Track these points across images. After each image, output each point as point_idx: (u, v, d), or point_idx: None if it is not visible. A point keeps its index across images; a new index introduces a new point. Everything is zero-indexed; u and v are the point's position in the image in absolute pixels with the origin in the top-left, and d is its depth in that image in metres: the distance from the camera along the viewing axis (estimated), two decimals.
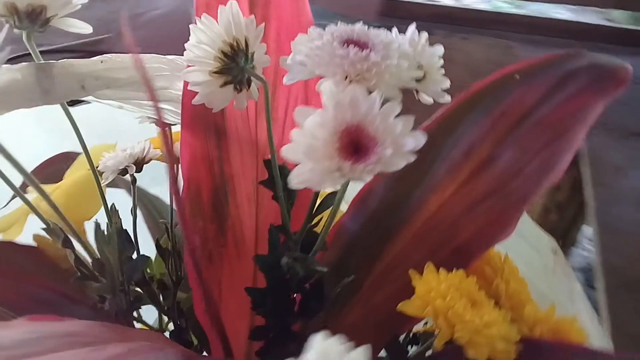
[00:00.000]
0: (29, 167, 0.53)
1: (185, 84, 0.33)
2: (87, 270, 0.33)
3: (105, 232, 0.34)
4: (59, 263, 0.40)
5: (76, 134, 0.34)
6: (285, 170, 0.33)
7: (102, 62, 0.29)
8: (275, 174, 0.32)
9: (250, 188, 0.36)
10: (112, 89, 0.30)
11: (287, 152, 0.23)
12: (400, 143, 0.23)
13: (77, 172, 0.44)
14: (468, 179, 0.38)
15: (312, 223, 0.34)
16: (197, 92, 0.31)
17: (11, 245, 0.41)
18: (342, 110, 0.23)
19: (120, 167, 0.36)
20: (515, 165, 0.37)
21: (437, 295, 0.32)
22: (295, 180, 0.23)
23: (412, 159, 0.23)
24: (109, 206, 0.35)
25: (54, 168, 0.51)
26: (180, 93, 0.34)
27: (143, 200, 0.51)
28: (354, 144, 0.23)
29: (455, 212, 0.37)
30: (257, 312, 0.36)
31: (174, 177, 0.30)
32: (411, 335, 0.38)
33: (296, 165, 0.23)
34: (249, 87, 0.31)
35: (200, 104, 0.31)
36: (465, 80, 0.40)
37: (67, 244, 0.33)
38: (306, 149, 0.23)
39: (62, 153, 0.51)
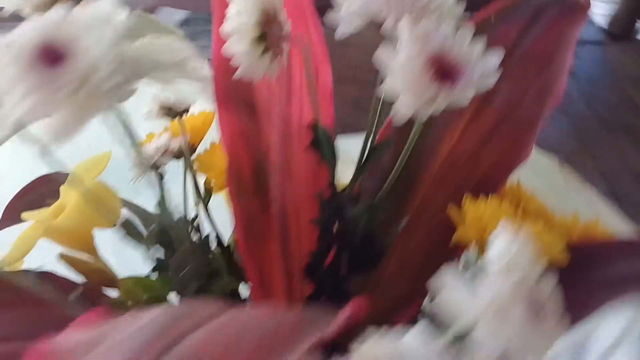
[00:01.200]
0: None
1: (216, 61, 0.33)
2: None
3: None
4: (89, 277, 0.38)
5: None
6: (326, 132, 0.34)
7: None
8: (321, 136, 0.33)
9: (285, 160, 0.36)
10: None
11: (387, 89, 0.24)
12: (483, 64, 0.25)
13: (76, 187, 0.42)
14: (474, 115, 0.40)
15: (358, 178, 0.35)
16: (228, 68, 0.31)
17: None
18: (423, 42, 0.25)
19: (155, 159, 0.35)
20: (515, 95, 0.40)
21: (489, 218, 0.35)
22: (402, 112, 0.24)
23: (498, 75, 0.25)
24: (162, 196, 0.34)
25: (34, 194, 0.49)
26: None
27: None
28: (442, 72, 0.25)
29: (470, 148, 0.40)
30: (310, 276, 0.37)
31: None
32: None
33: None
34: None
35: (230, 81, 0.31)
36: None
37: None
38: (404, 83, 0.24)
39: (41, 177, 0.49)
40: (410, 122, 0.38)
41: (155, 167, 0.36)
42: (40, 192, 0.48)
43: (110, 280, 0.39)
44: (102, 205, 0.38)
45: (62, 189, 0.44)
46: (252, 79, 0.32)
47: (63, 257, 0.37)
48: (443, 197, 0.40)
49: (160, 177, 0.36)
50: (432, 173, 0.41)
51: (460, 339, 0.19)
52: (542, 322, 0.19)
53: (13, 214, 0.48)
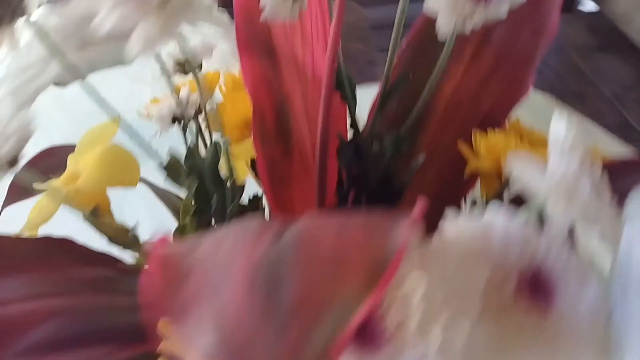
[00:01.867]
0: None
1: (238, 7, 0.34)
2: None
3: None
4: (113, 238, 0.38)
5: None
6: (348, 72, 0.35)
7: None
8: (342, 77, 0.34)
9: (305, 105, 0.37)
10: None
11: (428, 7, 0.26)
12: None
13: (89, 151, 0.42)
14: (474, 55, 0.42)
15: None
16: (249, 14, 0.32)
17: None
18: None
19: (175, 114, 0.36)
20: (511, 33, 0.42)
21: (502, 147, 0.37)
22: (442, 30, 0.26)
23: None
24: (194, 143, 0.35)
25: (37, 168, 0.48)
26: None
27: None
28: None
29: (473, 87, 0.42)
30: None
31: None
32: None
33: None
34: None
35: (250, 26, 0.32)
36: None
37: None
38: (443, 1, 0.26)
39: (44, 151, 0.48)
40: (426, 54, 0.40)
41: (179, 120, 0.36)
42: (44, 166, 0.48)
43: (134, 241, 0.39)
44: (122, 165, 0.38)
45: (70, 157, 0.43)
46: (274, 23, 0.32)
47: (88, 217, 0.37)
48: (451, 135, 0.42)
49: (185, 127, 0.36)
50: (439, 113, 0.42)
51: (532, 216, 0.21)
52: (603, 200, 0.21)
53: (18, 190, 0.47)
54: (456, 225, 0.19)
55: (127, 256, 0.41)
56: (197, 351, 0.15)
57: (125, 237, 0.38)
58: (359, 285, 0.14)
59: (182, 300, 0.17)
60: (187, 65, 0.37)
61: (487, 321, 0.15)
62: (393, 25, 0.34)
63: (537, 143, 0.41)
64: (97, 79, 0.45)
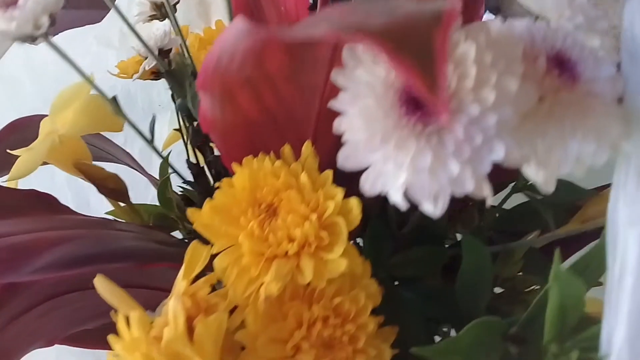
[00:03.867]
0: None
1: None
2: None
3: None
4: (104, 184, 0.38)
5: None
6: None
7: None
8: None
9: None
10: None
11: None
12: None
13: (64, 110, 0.41)
14: None
15: None
16: None
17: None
18: None
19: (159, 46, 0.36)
20: None
21: None
22: None
23: None
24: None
25: (4, 144, 0.47)
26: None
27: None
28: None
29: None
30: None
31: None
32: None
33: None
34: None
35: None
36: None
37: None
38: None
39: (9, 124, 0.47)
40: None
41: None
42: (11, 140, 0.47)
43: (122, 190, 0.39)
44: (105, 111, 0.38)
45: (44, 121, 0.43)
46: None
47: (78, 165, 0.37)
48: None
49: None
50: None
51: None
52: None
53: None
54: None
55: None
56: None
57: (116, 184, 0.38)
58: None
59: None
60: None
61: (529, 84, 0.17)
62: None
63: None
64: (63, 39, 0.44)
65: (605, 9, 0.21)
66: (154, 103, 0.53)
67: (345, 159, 0.17)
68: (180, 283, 0.23)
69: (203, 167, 0.41)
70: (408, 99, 0.17)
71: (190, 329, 0.22)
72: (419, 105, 0.16)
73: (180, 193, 0.44)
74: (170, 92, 0.41)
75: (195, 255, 0.25)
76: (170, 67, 0.33)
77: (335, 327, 0.23)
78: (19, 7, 0.27)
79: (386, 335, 0.25)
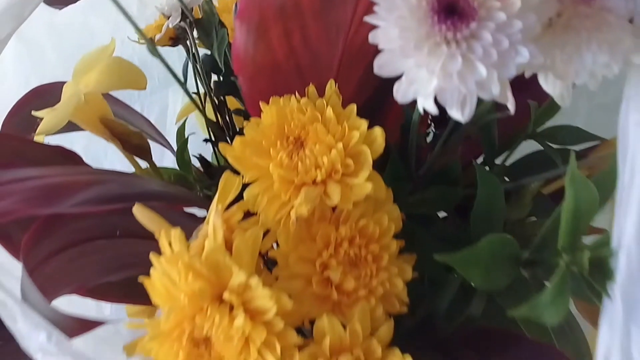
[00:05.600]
0: None
1: None
2: None
3: None
4: (128, 140, 0.39)
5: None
6: None
7: None
8: None
9: None
10: None
11: None
12: None
13: (88, 72, 0.43)
14: None
15: None
16: None
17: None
18: None
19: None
20: None
21: None
22: None
23: None
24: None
25: (28, 108, 0.49)
26: None
27: None
28: None
29: None
30: None
31: None
32: None
33: None
34: None
35: None
36: None
37: None
38: None
39: (33, 90, 0.49)
40: None
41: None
42: (34, 106, 0.49)
43: (146, 146, 0.41)
44: (129, 69, 0.40)
45: (67, 85, 0.44)
46: None
47: (105, 121, 0.38)
48: None
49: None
50: None
51: None
52: None
53: (11, 130, 0.47)
54: None
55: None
56: None
57: (139, 140, 0.40)
58: None
59: None
60: None
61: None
62: None
63: None
64: (81, 8, 0.46)
65: None
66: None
67: (381, 67, 0.19)
68: (216, 206, 0.25)
69: (222, 126, 0.43)
70: (440, 9, 0.18)
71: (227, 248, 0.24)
72: (450, 14, 0.18)
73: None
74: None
75: (228, 184, 0.26)
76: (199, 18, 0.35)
77: (361, 247, 0.25)
78: None
79: (407, 258, 0.27)
